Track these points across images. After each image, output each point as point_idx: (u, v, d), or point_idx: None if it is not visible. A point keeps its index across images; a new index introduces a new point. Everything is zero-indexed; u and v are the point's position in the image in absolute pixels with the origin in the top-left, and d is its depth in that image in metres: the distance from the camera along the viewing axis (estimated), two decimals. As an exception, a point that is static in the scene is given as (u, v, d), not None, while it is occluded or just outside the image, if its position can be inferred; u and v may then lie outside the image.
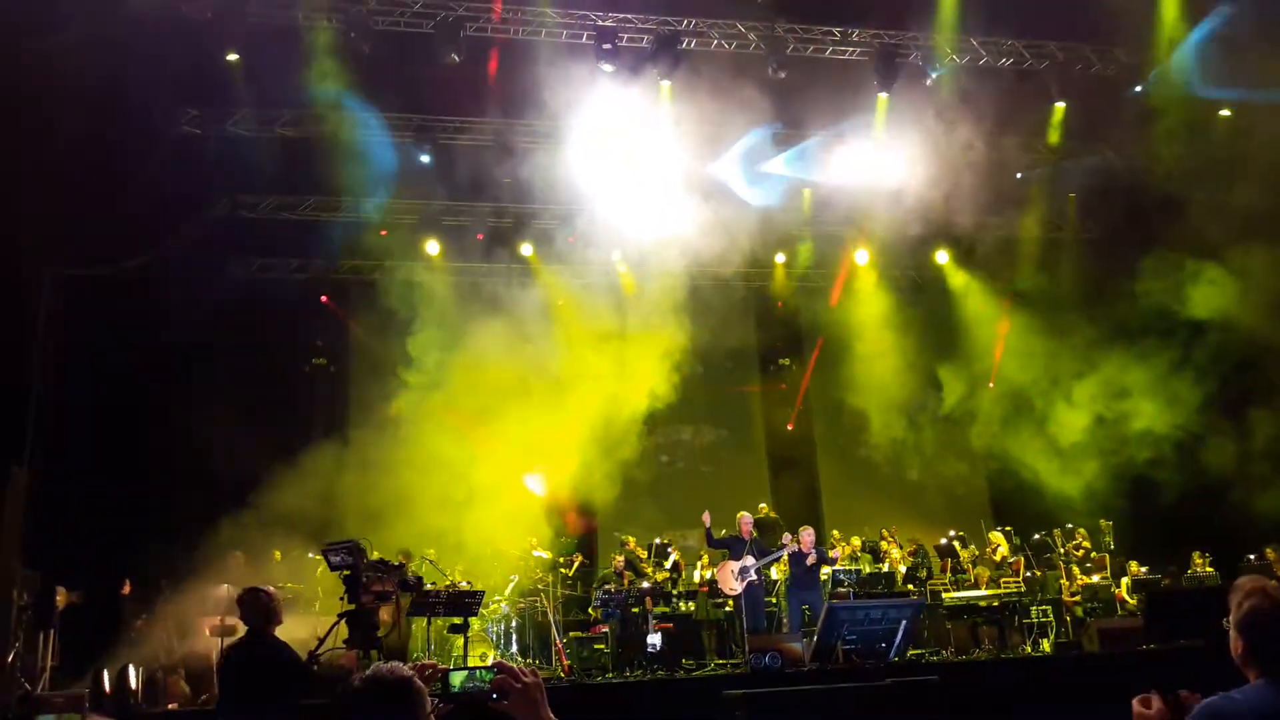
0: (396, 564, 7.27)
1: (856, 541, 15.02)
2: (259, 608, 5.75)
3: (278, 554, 13.24)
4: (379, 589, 7.07)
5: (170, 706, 9.55)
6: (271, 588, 6.11)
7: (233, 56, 13.80)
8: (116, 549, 12.15)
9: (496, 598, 12.51)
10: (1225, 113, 15.06)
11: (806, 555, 12.29)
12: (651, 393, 14.59)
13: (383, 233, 16.61)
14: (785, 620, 12.99)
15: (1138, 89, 15.32)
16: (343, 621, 6.94)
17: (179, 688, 10.14)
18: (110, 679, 8.55)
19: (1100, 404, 15.89)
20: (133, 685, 8.55)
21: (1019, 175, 17.33)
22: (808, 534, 12.53)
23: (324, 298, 17.56)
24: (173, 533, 12.59)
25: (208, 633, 10.15)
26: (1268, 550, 13.88)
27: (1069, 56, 15.46)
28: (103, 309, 13.47)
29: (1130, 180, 15.61)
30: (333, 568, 7.18)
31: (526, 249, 17.24)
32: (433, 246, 16.90)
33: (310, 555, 13.63)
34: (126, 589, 11.16)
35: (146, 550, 12.10)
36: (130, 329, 13.53)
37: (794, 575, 12.56)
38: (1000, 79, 15.47)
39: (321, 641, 6.75)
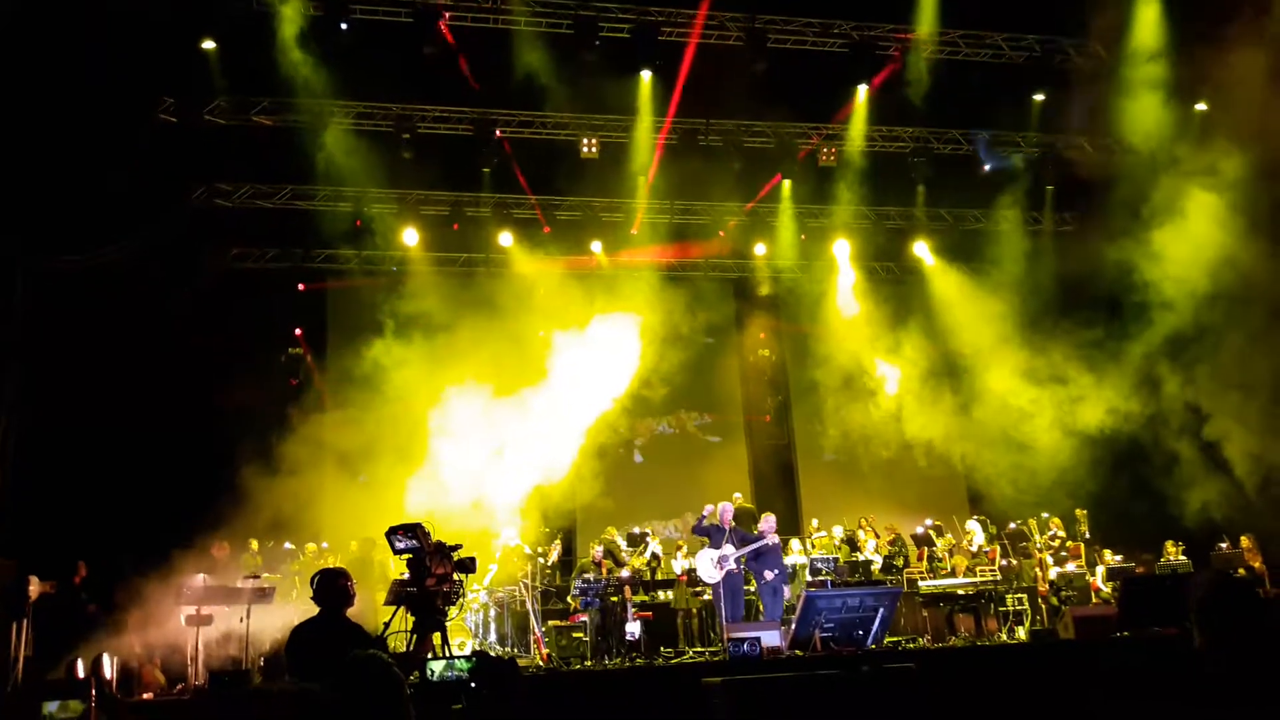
0: (453, 545, 7.31)
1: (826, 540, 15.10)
2: (335, 589, 5.77)
3: (254, 544, 13.20)
4: (440, 571, 7.13)
5: (145, 696, 9.50)
6: (340, 570, 6.10)
7: (209, 44, 13.70)
8: (91, 538, 12.04)
9: (476, 587, 12.49)
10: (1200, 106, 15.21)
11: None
12: (630, 382, 14.57)
13: (358, 223, 16.53)
14: (763, 608, 13.07)
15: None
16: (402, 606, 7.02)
17: (154, 677, 10.08)
18: (84, 668, 8.49)
19: (1076, 394, 16.01)
20: (107, 675, 8.48)
21: (993, 167, 17.41)
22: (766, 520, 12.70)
23: (301, 286, 17.46)
24: (150, 522, 12.50)
25: (184, 622, 10.09)
26: (1242, 538, 14.06)
27: (1048, 50, 15.55)
28: (78, 298, 13.35)
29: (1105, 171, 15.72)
30: (397, 552, 7.24)
31: (505, 238, 17.22)
32: (411, 235, 16.85)
33: (286, 546, 13.59)
34: (81, 574, 11.03)
35: (122, 539, 12.01)
36: (106, 318, 13.41)
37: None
38: (980, 71, 15.59)
39: (388, 625, 6.83)
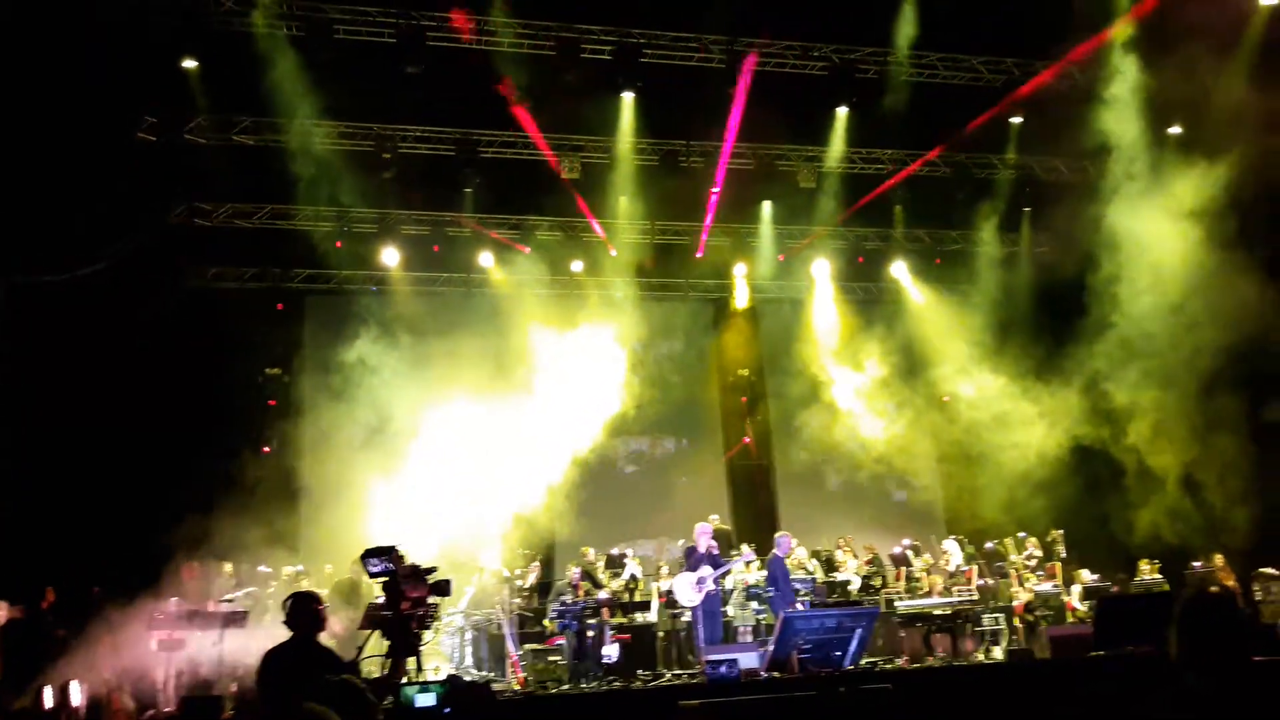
0: (428, 568, 7.23)
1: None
2: (309, 613, 5.72)
3: (229, 567, 13.07)
4: (416, 594, 7.05)
5: (116, 722, 9.39)
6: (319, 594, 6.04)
7: (190, 63, 13.67)
8: (61, 562, 11.90)
9: (451, 610, 12.41)
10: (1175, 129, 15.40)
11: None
12: (610, 403, 14.58)
13: (338, 244, 16.50)
14: (740, 630, 13.06)
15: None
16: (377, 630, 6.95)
17: (123, 704, 9.96)
18: (53, 695, 8.38)
19: (1052, 415, 16.11)
20: (74, 702, 8.38)
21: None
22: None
23: (279, 305, 17.40)
24: (121, 545, 12.37)
25: (155, 647, 9.98)
26: (1215, 556, 14.15)
27: (1025, 73, 15.72)
28: (53, 317, 13.25)
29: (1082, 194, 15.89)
30: (372, 575, 7.15)
31: (486, 258, 17.21)
32: (391, 255, 16.83)
33: (261, 569, 13.47)
34: (49, 600, 10.89)
35: (93, 563, 11.87)
36: (81, 337, 13.32)
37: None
38: (959, 94, 15.74)
39: (361, 649, 6.77)
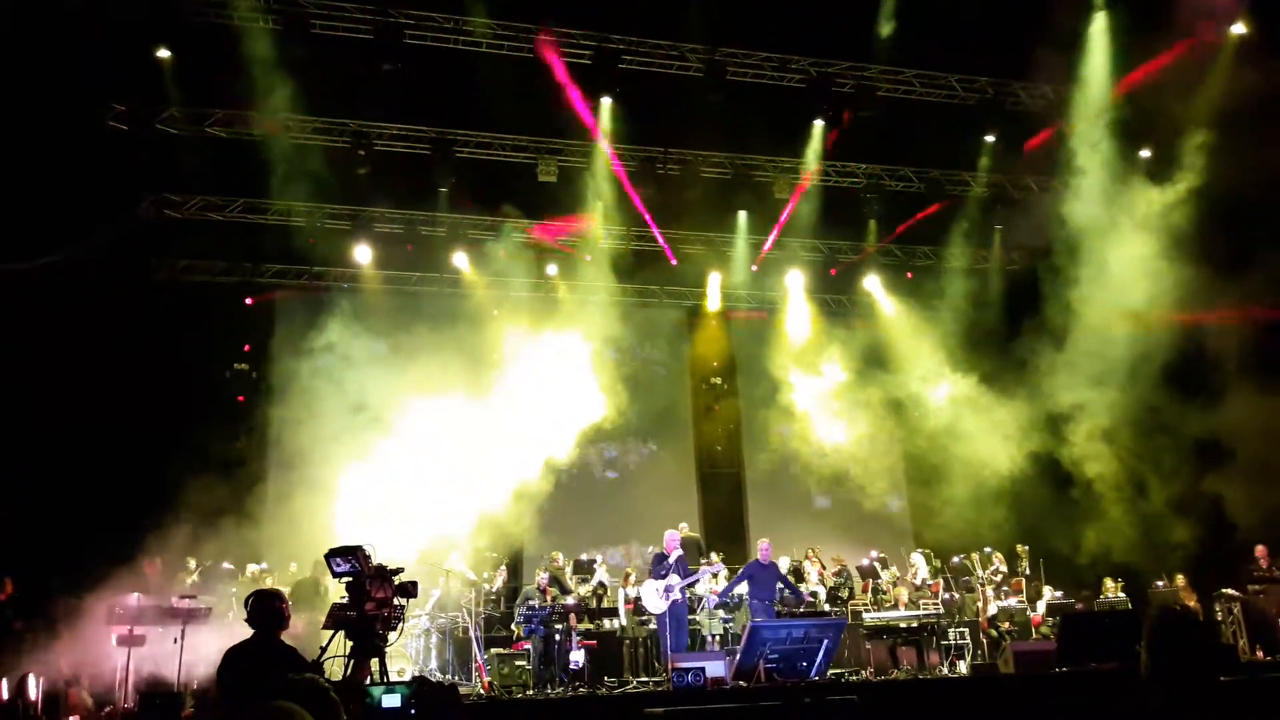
0: (394, 569, 7.13)
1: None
2: (271, 611, 5.62)
3: (192, 562, 12.90)
4: (381, 595, 6.95)
5: (72, 719, 9.20)
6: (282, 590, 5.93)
7: (164, 53, 13.51)
8: (19, 554, 11.67)
9: (417, 612, 12.31)
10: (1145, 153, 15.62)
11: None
12: (581, 408, 14.53)
13: (311, 240, 16.36)
14: (708, 638, 13.05)
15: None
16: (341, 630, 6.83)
17: (81, 699, 9.77)
18: (9, 688, 8.21)
19: (1025, 432, 16.25)
20: (32, 696, 8.21)
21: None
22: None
23: (249, 300, 17.22)
24: (83, 538, 12.15)
25: (115, 642, 9.81)
26: (1177, 577, 14.34)
27: (999, 91, 15.89)
28: (20, 307, 13.01)
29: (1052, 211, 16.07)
30: (336, 575, 7.04)
31: (460, 259, 17.12)
32: (363, 254, 16.70)
33: (224, 565, 13.30)
34: (7, 591, 10.68)
35: (53, 555, 11.66)
36: (45, 327, 13.08)
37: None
38: (932, 111, 15.88)
39: (324, 649, 6.65)
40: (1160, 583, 14.46)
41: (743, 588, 13.15)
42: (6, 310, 12.89)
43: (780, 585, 13.01)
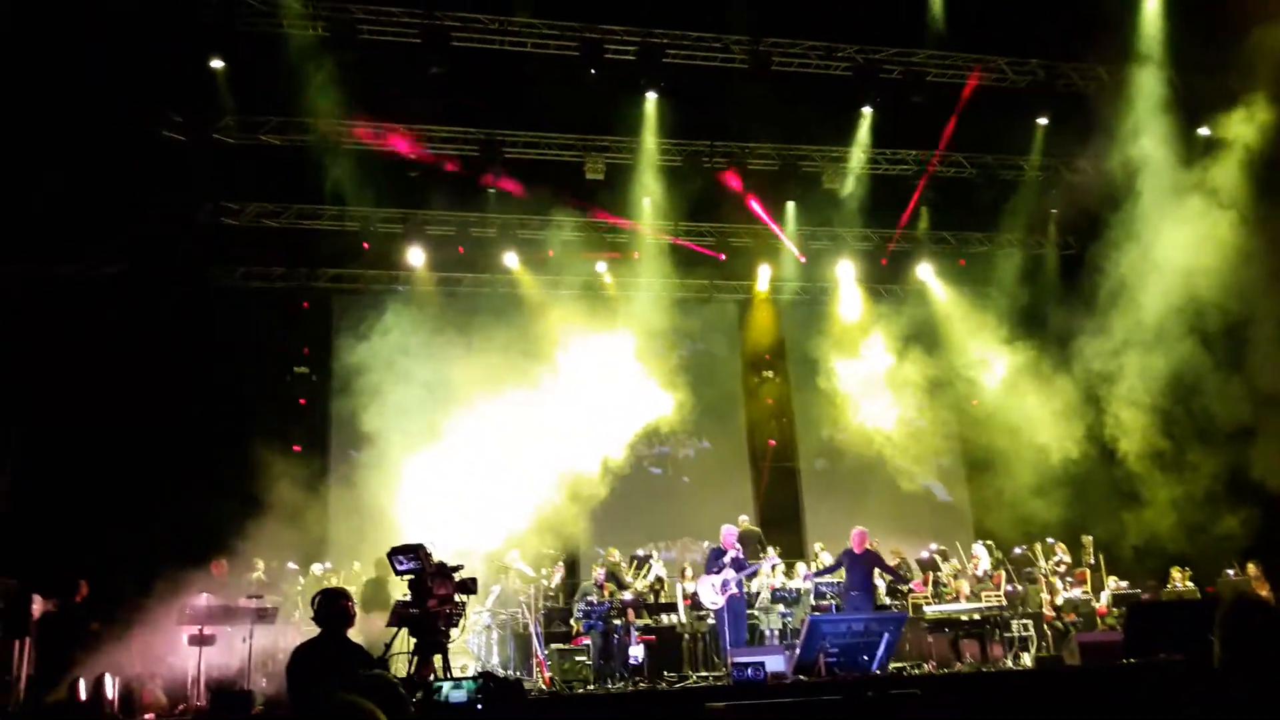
0: (454, 566, 7.24)
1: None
2: (336, 609, 5.75)
3: (259, 564, 13.15)
4: (442, 592, 7.06)
5: (147, 717, 9.45)
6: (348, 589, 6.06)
7: (218, 63, 13.76)
8: (94, 556, 11.99)
9: (478, 609, 12.44)
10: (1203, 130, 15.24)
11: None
12: (636, 404, 14.56)
13: (365, 245, 16.56)
14: (767, 633, 13.01)
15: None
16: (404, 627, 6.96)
17: (155, 697, 10.03)
18: (86, 688, 8.45)
19: (1084, 419, 15.97)
20: (109, 695, 8.44)
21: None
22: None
23: (305, 305, 17.47)
24: (151, 542, 12.45)
25: (186, 642, 10.04)
26: (1249, 565, 13.98)
27: (1050, 73, 15.61)
28: (82, 314, 13.37)
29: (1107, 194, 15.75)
30: (399, 573, 7.19)
31: (511, 260, 17.22)
32: (417, 256, 16.87)
33: (289, 566, 13.55)
34: (83, 593, 10.98)
35: (125, 558, 11.96)
36: (108, 332, 13.44)
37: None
38: (984, 95, 15.64)
39: (389, 646, 6.78)
40: (1231, 571, 14.10)
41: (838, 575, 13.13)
42: (76, 319, 13.26)
43: (879, 571, 13.02)
